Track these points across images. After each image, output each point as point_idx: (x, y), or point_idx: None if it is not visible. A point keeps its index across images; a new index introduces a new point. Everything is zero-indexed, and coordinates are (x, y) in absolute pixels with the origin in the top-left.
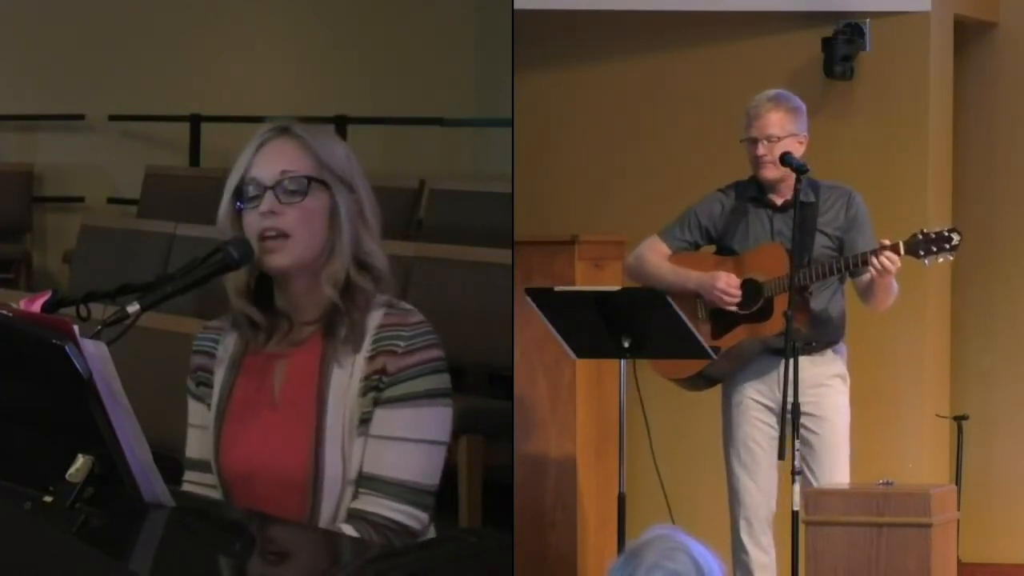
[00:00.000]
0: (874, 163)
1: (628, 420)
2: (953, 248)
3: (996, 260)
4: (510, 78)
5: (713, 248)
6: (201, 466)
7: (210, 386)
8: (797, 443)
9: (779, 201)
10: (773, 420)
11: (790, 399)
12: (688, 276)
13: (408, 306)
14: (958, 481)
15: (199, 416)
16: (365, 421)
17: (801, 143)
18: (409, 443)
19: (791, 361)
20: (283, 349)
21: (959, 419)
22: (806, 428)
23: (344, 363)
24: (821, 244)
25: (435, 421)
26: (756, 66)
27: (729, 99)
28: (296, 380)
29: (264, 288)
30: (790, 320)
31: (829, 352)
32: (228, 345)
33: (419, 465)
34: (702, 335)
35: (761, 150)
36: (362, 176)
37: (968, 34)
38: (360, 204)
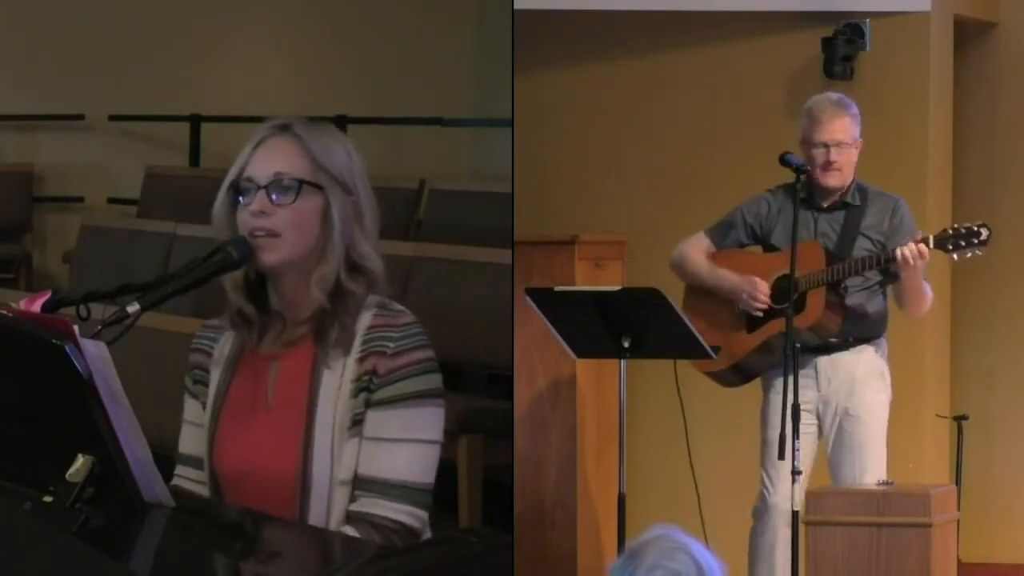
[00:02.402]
0: (874, 163)
1: (628, 420)
2: (982, 243)
3: (996, 260)
4: (510, 78)
5: (759, 247)
6: (193, 462)
7: (206, 384)
8: (796, 443)
9: (825, 203)
10: (810, 418)
11: (790, 399)
12: (724, 278)
13: (399, 307)
14: (958, 481)
15: (194, 413)
16: (358, 422)
17: (857, 148)
18: (403, 444)
19: (791, 360)
20: (277, 350)
21: (959, 419)
22: (841, 426)
23: (334, 366)
24: (862, 247)
25: (427, 421)
26: (756, 66)
27: (729, 99)
28: (288, 382)
29: (260, 286)
30: (790, 319)
31: (866, 348)
32: (225, 345)
33: (414, 465)
34: (738, 330)
35: (832, 155)
36: (364, 177)
37: (968, 34)
38: (358, 206)
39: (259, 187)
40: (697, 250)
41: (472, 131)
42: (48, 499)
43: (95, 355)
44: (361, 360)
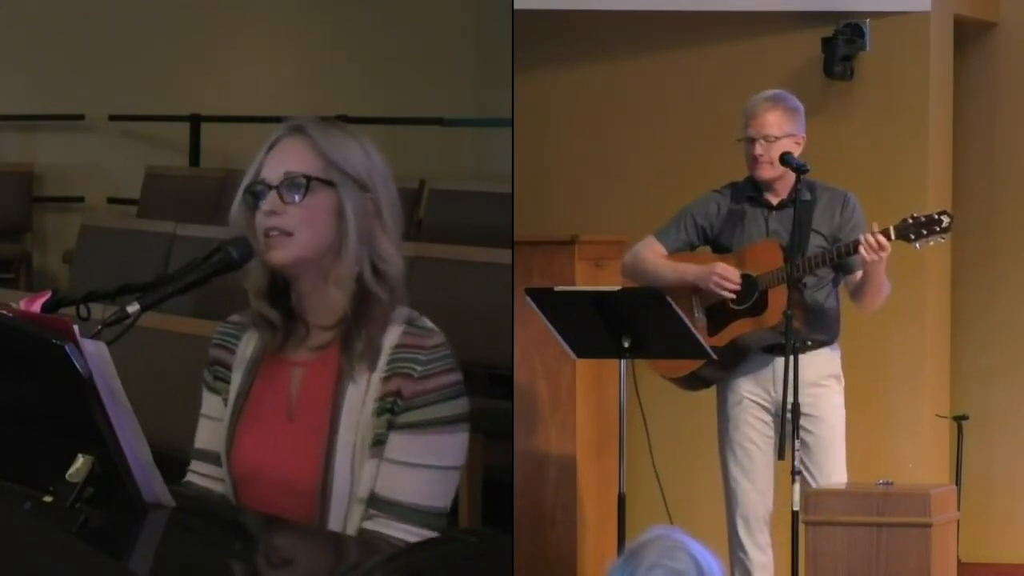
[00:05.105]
0: (874, 163)
1: (628, 420)
2: (944, 230)
3: (996, 260)
4: (510, 78)
5: (708, 249)
6: (211, 458)
7: (227, 381)
8: (796, 443)
9: (775, 200)
10: (769, 419)
11: (790, 399)
12: (686, 270)
13: (428, 324)
14: (958, 481)
15: (213, 408)
16: (379, 442)
17: (798, 143)
18: (425, 469)
19: (791, 361)
20: (301, 356)
21: (959, 419)
22: (803, 429)
23: (359, 380)
24: (816, 244)
25: (451, 447)
26: (756, 66)
27: (729, 99)
28: (312, 392)
29: (284, 291)
30: (790, 320)
31: (824, 351)
32: (248, 343)
33: (433, 489)
34: (699, 333)
35: (758, 150)
36: (386, 174)
37: (968, 34)
38: (377, 203)
39: (271, 188)
40: (651, 253)
41: (472, 131)
42: (48, 499)
43: (95, 355)
44: (386, 380)
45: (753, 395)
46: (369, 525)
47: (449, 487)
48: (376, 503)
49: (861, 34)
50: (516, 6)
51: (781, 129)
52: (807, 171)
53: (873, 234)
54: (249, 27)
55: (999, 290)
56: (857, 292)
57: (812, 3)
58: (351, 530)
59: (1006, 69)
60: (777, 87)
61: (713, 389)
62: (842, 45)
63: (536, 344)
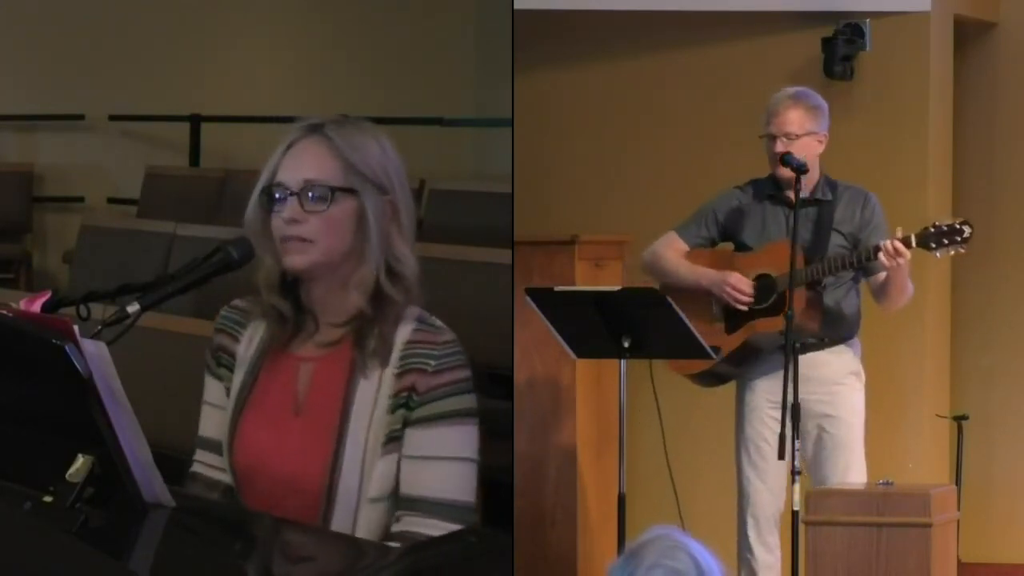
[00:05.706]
0: (874, 163)
1: (628, 420)
2: (964, 240)
3: (996, 260)
4: (510, 78)
5: (731, 245)
6: (214, 447)
7: (230, 368)
8: (799, 443)
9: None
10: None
11: (790, 399)
12: (702, 274)
13: (439, 323)
14: (958, 481)
15: (217, 396)
16: (393, 439)
17: (820, 141)
18: (445, 461)
19: (791, 361)
20: (310, 352)
21: (959, 419)
22: (821, 427)
23: (371, 376)
24: (836, 243)
25: (468, 439)
26: (756, 66)
27: (729, 99)
28: (322, 388)
29: (296, 284)
30: (790, 320)
31: (843, 348)
32: (253, 333)
33: (457, 482)
34: (715, 331)
35: (779, 147)
36: (401, 172)
37: (968, 34)
38: (394, 204)
39: (291, 193)
40: (671, 250)
41: (472, 131)
42: (48, 499)
43: (95, 355)
44: (400, 376)
45: (770, 394)
46: (400, 527)
47: (470, 480)
48: (404, 503)
49: (861, 34)
50: (516, 6)
51: (802, 127)
52: (806, 171)
53: (892, 241)
54: (249, 27)
55: (999, 290)
56: (880, 293)
57: (812, 3)
58: (360, 532)
59: (1006, 69)
60: (777, 87)
61: (725, 388)
62: (842, 45)
63: (536, 344)
